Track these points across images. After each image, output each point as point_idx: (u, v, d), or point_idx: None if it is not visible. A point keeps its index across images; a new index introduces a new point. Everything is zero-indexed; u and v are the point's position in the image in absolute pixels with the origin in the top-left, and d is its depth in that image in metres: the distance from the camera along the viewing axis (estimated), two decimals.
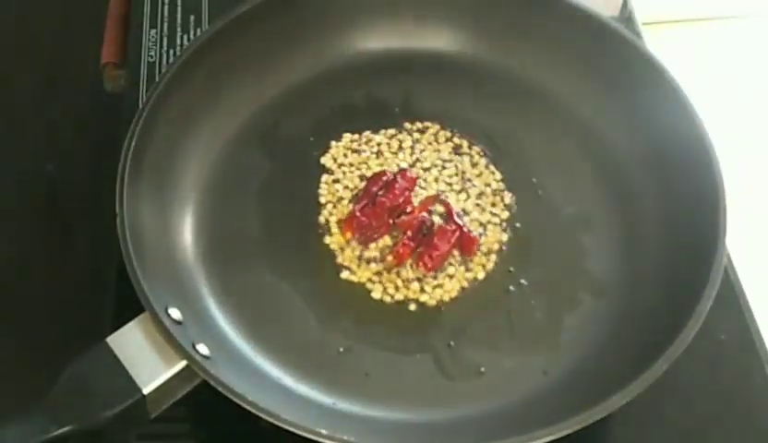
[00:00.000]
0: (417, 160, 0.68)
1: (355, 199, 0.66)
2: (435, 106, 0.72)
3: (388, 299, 0.62)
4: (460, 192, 0.67)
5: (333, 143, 0.70)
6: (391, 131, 0.70)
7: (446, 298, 0.62)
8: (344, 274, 0.63)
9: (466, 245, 0.64)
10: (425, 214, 0.64)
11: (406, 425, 0.58)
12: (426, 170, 0.68)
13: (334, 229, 0.65)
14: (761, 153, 0.84)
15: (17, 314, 0.71)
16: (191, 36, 0.78)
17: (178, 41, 0.78)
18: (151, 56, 0.76)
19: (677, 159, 0.65)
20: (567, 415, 0.52)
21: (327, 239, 0.64)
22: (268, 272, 0.63)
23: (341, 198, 0.66)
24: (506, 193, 0.67)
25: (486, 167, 0.68)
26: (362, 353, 0.60)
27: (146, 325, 0.54)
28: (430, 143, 0.69)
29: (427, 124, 0.71)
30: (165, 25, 0.79)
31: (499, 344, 0.61)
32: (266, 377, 0.59)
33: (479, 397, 0.59)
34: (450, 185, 0.67)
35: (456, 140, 0.70)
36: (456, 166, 0.68)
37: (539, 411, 0.57)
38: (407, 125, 0.71)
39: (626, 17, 0.81)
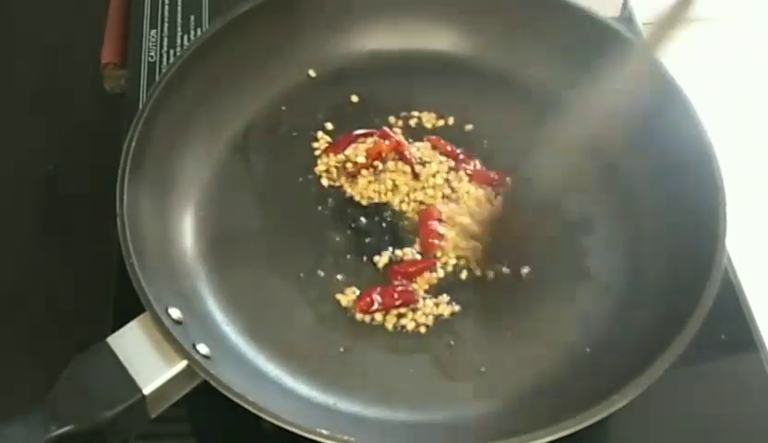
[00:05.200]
0: (417, 159, 0.68)
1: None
2: (435, 106, 0.72)
3: (389, 327, 0.62)
4: (460, 192, 0.67)
5: (333, 143, 0.70)
6: (389, 132, 0.70)
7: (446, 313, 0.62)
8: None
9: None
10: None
11: (406, 425, 0.58)
12: (425, 168, 0.68)
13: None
14: (761, 153, 0.84)
15: (17, 314, 0.71)
16: (191, 36, 0.78)
17: (178, 41, 0.78)
18: (151, 56, 0.76)
19: (677, 159, 0.65)
20: (567, 415, 0.52)
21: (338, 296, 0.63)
22: (268, 272, 0.63)
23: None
24: (505, 193, 0.67)
25: (486, 167, 0.68)
26: (362, 353, 0.60)
27: (146, 325, 0.54)
28: (431, 147, 0.69)
29: (427, 124, 0.71)
30: (165, 25, 0.79)
31: (499, 344, 0.61)
32: (266, 377, 0.59)
33: (479, 397, 0.59)
34: (450, 184, 0.67)
35: (456, 140, 0.70)
36: (456, 166, 0.68)
37: (539, 411, 0.57)
38: (407, 124, 0.71)
39: (626, 17, 0.81)
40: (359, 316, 0.61)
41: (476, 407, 0.58)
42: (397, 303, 0.61)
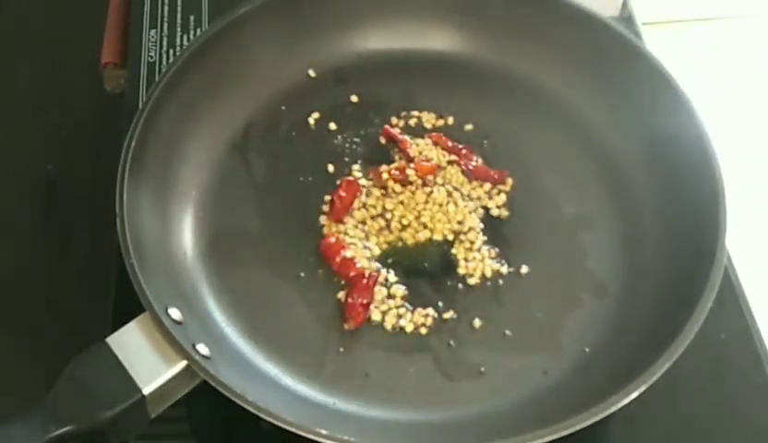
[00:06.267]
0: (417, 159, 0.68)
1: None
2: (435, 106, 0.72)
3: (388, 327, 0.62)
4: (459, 192, 0.67)
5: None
6: (391, 131, 0.70)
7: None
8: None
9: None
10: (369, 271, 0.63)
11: (406, 425, 0.58)
12: (425, 165, 0.68)
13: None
14: (761, 153, 0.84)
15: (17, 314, 0.71)
16: (191, 36, 0.78)
17: (178, 41, 0.78)
18: (151, 56, 0.76)
19: (677, 159, 0.65)
20: (567, 415, 0.52)
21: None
22: (268, 272, 0.63)
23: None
24: (505, 193, 0.67)
25: (486, 167, 0.68)
26: (362, 353, 0.60)
27: (146, 325, 0.54)
28: (433, 144, 0.69)
29: (427, 124, 0.71)
30: (165, 25, 0.79)
31: (499, 344, 0.61)
32: (266, 377, 0.59)
33: (479, 397, 0.59)
34: (449, 184, 0.67)
35: (456, 140, 0.70)
36: (456, 166, 0.68)
37: (539, 411, 0.56)
38: (408, 124, 0.71)
39: (626, 17, 0.81)
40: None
41: (476, 407, 0.58)
42: (373, 289, 0.61)
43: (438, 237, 0.65)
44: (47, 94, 0.83)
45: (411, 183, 0.67)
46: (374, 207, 0.66)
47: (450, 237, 0.65)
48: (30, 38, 0.87)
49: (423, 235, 0.65)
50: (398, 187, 0.66)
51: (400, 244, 0.65)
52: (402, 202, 0.66)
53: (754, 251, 0.72)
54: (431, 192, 0.66)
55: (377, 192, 0.66)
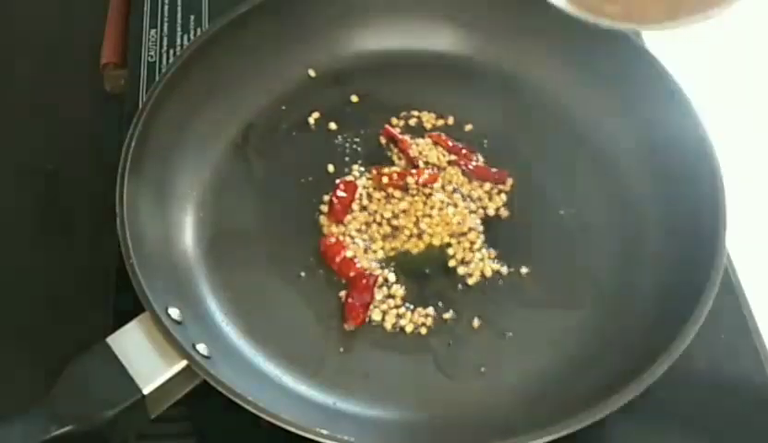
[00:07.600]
0: (417, 160, 0.68)
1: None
2: (434, 106, 0.72)
3: (388, 326, 0.62)
4: (459, 192, 0.67)
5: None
6: (391, 131, 0.70)
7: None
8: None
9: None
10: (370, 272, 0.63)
11: (406, 424, 0.58)
12: (425, 168, 0.68)
13: None
14: (761, 153, 0.84)
15: (17, 314, 0.71)
16: (191, 36, 0.78)
17: (178, 41, 0.78)
18: (151, 56, 0.76)
19: (677, 159, 0.65)
20: (567, 415, 0.52)
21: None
22: (268, 272, 0.63)
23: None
24: (505, 193, 0.67)
25: (486, 167, 0.68)
26: (362, 353, 0.60)
27: (146, 325, 0.54)
28: (433, 144, 0.69)
29: (427, 124, 0.71)
30: (165, 25, 0.79)
31: (499, 344, 0.61)
32: (266, 377, 0.59)
33: (479, 397, 0.59)
34: (449, 184, 0.67)
35: (456, 140, 0.70)
36: (456, 166, 0.68)
37: (539, 411, 0.57)
38: (407, 124, 0.71)
39: None
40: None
41: (476, 407, 0.58)
42: (373, 289, 0.62)
43: (437, 242, 0.65)
44: (47, 94, 0.83)
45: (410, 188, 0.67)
46: (375, 212, 0.66)
47: (450, 239, 0.65)
48: (30, 38, 0.87)
49: (423, 241, 0.65)
50: (398, 193, 0.66)
51: (401, 249, 0.65)
52: (403, 210, 0.66)
53: (754, 251, 0.72)
54: (430, 194, 0.66)
55: (377, 194, 0.66)
